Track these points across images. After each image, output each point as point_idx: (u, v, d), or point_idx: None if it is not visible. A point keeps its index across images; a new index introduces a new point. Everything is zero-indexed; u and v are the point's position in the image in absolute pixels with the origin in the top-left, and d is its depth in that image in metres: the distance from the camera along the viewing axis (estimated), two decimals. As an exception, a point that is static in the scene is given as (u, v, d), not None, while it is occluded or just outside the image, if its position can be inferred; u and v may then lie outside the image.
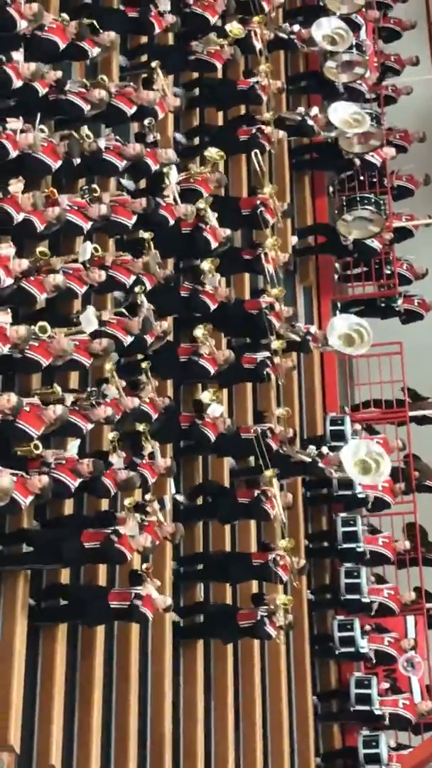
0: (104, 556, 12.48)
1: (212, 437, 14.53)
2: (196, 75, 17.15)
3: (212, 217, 15.00)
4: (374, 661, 16.48)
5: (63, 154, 12.93)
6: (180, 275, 15.43)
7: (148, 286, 13.93)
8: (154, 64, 15.28)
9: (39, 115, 12.80)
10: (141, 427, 13.48)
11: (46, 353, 11.91)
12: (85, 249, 13.04)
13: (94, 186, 13.41)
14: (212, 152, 15.73)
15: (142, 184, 15.26)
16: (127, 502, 12.56)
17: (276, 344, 15.49)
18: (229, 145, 16.68)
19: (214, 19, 16.48)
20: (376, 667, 16.67)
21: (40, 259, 12.18)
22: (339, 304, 19.30)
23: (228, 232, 15.23)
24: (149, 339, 13.77)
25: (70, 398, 12.29)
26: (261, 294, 16.10)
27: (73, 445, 12.38)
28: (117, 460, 12.90)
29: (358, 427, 17.69)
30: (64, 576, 12.85)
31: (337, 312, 18.83)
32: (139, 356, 14.02)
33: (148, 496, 13.10)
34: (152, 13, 15.37)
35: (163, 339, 14.13)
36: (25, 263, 11.79)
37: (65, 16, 13.84)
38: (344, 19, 19.23)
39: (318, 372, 18.57)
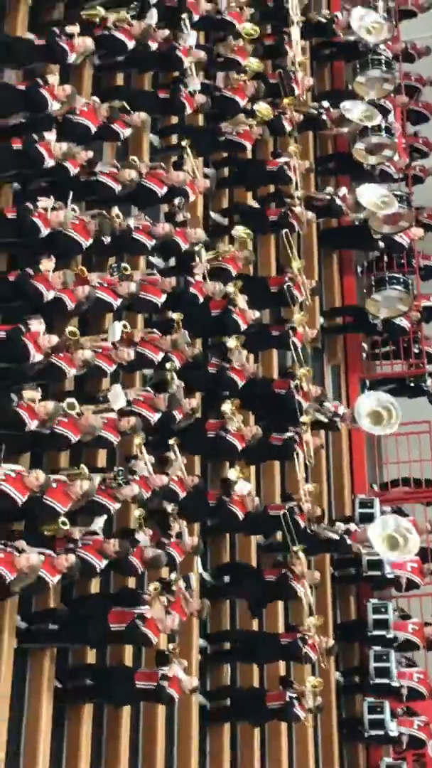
0: (130, 639, 12.41)
1: (240, 515, 14.48)
2: (225, 155, 17.30)
3: (241, 300, 15.07)
4: (405, 745, 16.23)
5: (94, 232, 13.04)
6: (208, 353, 15.47)
7: (177, 364, 13.99)
8: (184, 143, 15.46)
9: (70, 195, 12.93)
10: (169, 508, 13.45)
11: (75, 429, 11.93)
12: (115, 329, 13.12)
13: (124, 264, 13.50)
14: (240, 231, 15.85)
15: (172, 262, 15.37)
16: (152, 587, 12.51)
17: (304, 419, 15.45)
18: (259, 224, 16.81)
19: (243, 102, 16.67)
20: (406, 752, 16.40)
21: (70, 338, 12.23)
22: (367, 383, 19.27)
23: (257, 314, 15.30)
24: (177, 416, 13.80)
25: (97, 479, 12.30)
26: (289, 373, 16.13)
27: (98, 521, 12.34)
28: (143, 537, 12.86)
29: (387, 509, 17.57)
30: (91, 655, 12.74)
31: (366, 390, 18.80)
32: (167, 433, 14.04)
33: (173, 575, 13.04)
34: (183, 94, 15.57)
35: (192, 416, 14.15)
36: (54, 339, 11.85)
37: (96, 99, 14.01)
38: (373, 103, 19.42)
39: (346, 450, 18.50)
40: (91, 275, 12.98)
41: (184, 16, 15.80)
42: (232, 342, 14.91)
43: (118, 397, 12.72)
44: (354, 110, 18.99)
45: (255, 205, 17.53)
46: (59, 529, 11.68)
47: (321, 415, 16.26)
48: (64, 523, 11.64)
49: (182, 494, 13.70)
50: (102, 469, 12.97)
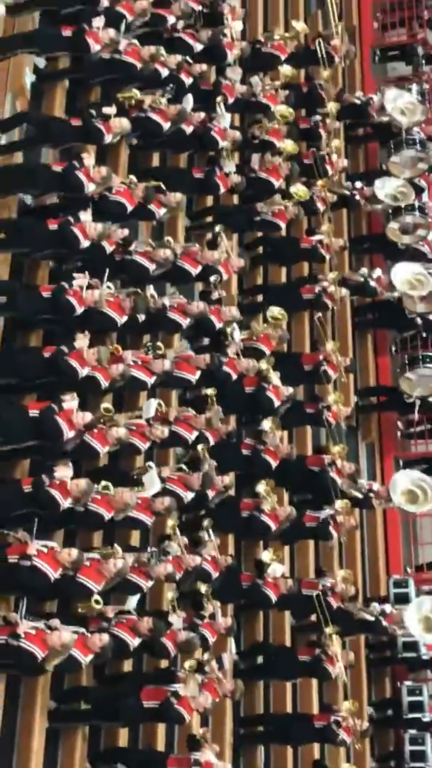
0: (163, 717, 12.26)
1: (273, 598, 14.37)
2: (260, 234, 17.41)
3: (275, 377, 15.08)
4: None
5: (128, 310, 13.10)
6: (242, 430, 15.45)
7: (211, 442, 13.98)
8: (218, 228, 15.54)
9: (106, 273, 13.02)
10: (203, 589, 13.37)
11: (108, 506, 11.89)
12: (149, 406, 13.12)
13: (159, 344, 13.54)
14: (274, 311, 15.89)
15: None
16: (187, 665, 12.40)
17: (339, 504, 15.37)
18: (293, 302, 16.86)
19: (278, 183, 16.79)
20: None
21: (104, 416, 12.25)
22: (401, 462, 19.17)
23: (290, 390, 15.28)
24: (211, 494, 13.75)
25: (130, 558, 12.25)
26: (323, 450, 16.07)
27: (132, 600, 12.26)
28: (176, 620, 12.76)
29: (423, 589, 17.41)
30: (123, 736, 12.59)
31: (400, 469, 18.70)
32: (201, 512, 13.98)
33: (206, 656, 12.90)
34: (217, 174, 15.70)
35: (225, 493, 14.10)
36: (88, 416, 11.85)
37: (133, 178, 14.13)
38: (408, 181, 19.54)
39: (381, 530, 18.36)
40: (125, 353, 13.02)
41: (219, 99, 16.01)
42: (266, 424, 14.89)
43: (153, 483, 12.70)
44: (385, 187, 19.10)
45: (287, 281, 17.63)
46: (92, 608, 11.60)
47: (355, 492, 16.16)
48: (97, 602, 11.56)
49: (215, 574, 13.61)
50: (135, 548, 12.91)
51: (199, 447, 13.75)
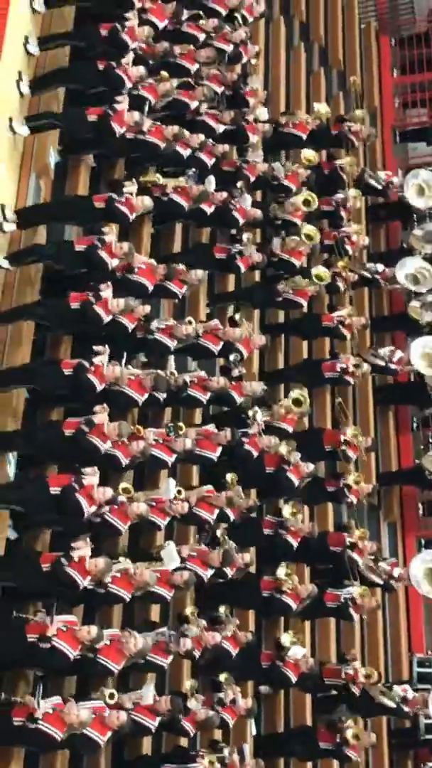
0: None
1: (293, 679, 14.23)
2: (281, 311, 17.48)
3: (295, 456, 15.04)
4: None
5: (149, 387, 13.13)
6: (263, 504, 15.40)
7: (232, 518, 13.92)
8: (237, 316, 15.60)
9: (126, 352, 13.08)
10: (222, 677, 13.27)
11: (128, 585, 11.83)
12: (169, 488, 13.09)
13: (180, 424, 13.55)
14: (296, 395, 15.87)
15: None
16: (207, 761, 12.28)
17: (359, 590, 15.24)
18: (314, 380, 16.87)
19: (299, 263, 16.87)
20: None
21: (123, 495, 12.23)
22: (423, 541, 19.02)
23: (311, 467, 15.24)
24: (230, 571, 13.67)
25: (150, 636, 12.16)
26: (344, 528, 15.98)
27: (149, 688, 12.14)
28: (195, 705, 12.68)
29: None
30: None
31: (422, 549, 18.55)
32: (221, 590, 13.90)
33: (227, 751, 12.77)
34: (237, 256, 15.80)
35: (245, 570, 14.01)
36: (109, 492, 11.85)
37: (153, 261, 14.22)
38: (429, 259, 19.60)
39: (403, 610, 18.17)
40: (147, 432, 13.02)
41: (240, 184, 16.14)
42: (287, 509, 14.83)
43: (172, 558, 12.65)
44: (406, 266, 19.16)
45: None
46: (106, 699, 11.46)
47: (376, 576, 16.03)
48: (111, 696, 11.42)
49: (235, 652, 13.49)
50: (154, 624, 12.83)
51: (219, 531, 13.70)
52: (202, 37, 16.65)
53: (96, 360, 12.50)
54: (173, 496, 13.00)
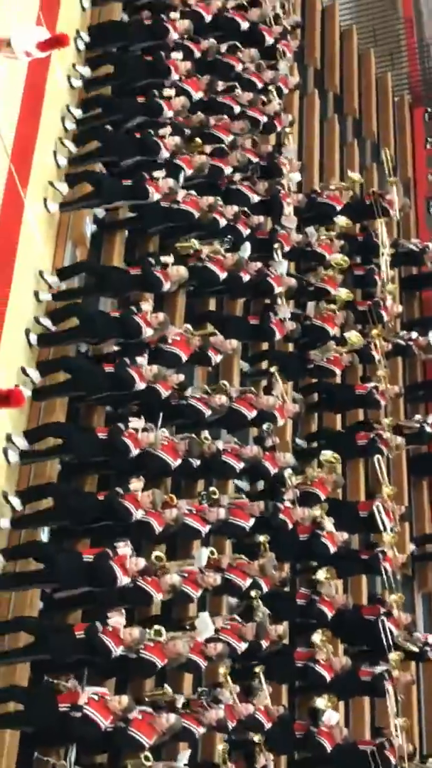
0: None
1: (328, 747, 14.01)
2: (314, 380, 17.45)
3: (329, 522, 14.95)
4: None
5: (183, 453, 13.11)
6: (296, 578, 15.27)
7: (265, 589, 13.81)
8: (273, 369, 15.63)
9: (161, 416, 13.08)
10: (256, 738, 13.07)
11: (161, 654, 11.74)
12: (201, 555, 13.03)
13: (213, 489, 13.48)
14: (328, 455, 15.84)
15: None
16: None
17: (394, 656, 15.07)
18: (348, 449, 16.81)
19: (333, 330, 16.88)
20: None
21: (155, 564, 12.18)
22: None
23: (345, 536, 15.13)
24: (264, 644, 13.54)
25: (181, 699, 12.07)
26: (379, 600, 15.83)
27: (183, 756, 11.99)
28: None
29: None
30: None
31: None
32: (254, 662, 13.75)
33: None
34: (273, 321, 15.83)
35: (279, 642, 13.87)
36: (142, 562, 11.78)
37: (189, 327, 14.27)
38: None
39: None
40: (180, 502, 12.98)
41: (276, 246, 16.22)
42: (321, 574, 14.72)
43: (205, 627, 12.55)
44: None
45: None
46: (142, 765, 11.33)
47: (411, 645, 15.85)
48: (147, 758, 11.30)
49: (268, 724, 13.32)
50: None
51: (252, 594, 13.59)
52: (237, 108, 16.83)
53: (131, 425, 12.51)
54: (204, 563, 12.90)
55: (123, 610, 11.59)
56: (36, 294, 13.64)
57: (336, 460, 15.82)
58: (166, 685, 11.95)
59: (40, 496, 12.28)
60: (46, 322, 13.45)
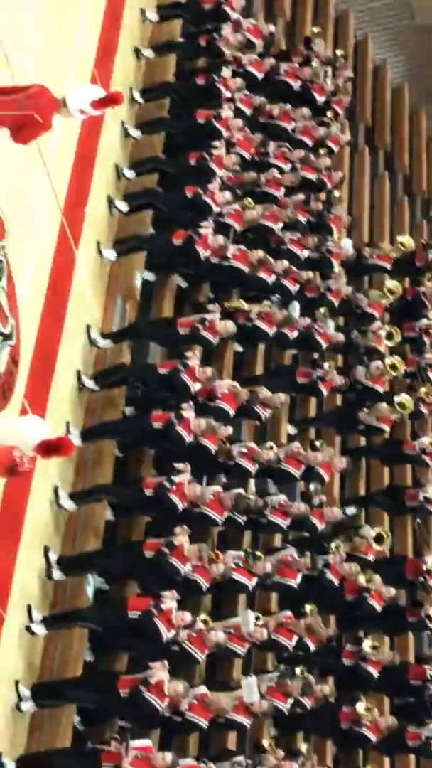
0: None
1: None
2: (363, 438, 17.37)
3: (377, 581, 14.81)
4: None
5: (229, 508, 13.05)
6: (342, 635, 15.12)
7: (311, 647, 13.67)
8: (318, 443, 15.56)
9: (208, 470, 13.06)
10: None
11: (205, 712, 11.67)
12: (248, 620, 12.91)
13: (258, 553, 13.42)
14: (379, 530, 15.66)
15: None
16: None
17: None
18: (396, 506, 16.67)
19: (382, 390, 16.81)
20: None
21: (202, 626, 12.11)
22: None
23: (392, 591, 14.97)
24: (309, 702, 13.39)
25: (227, 765, 11.92)
26: (426, 661, 15.61)
27: None
28: None
29: None
30: None
31: None
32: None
33: None
34: (320, 376, 15.79)
35: (324, 701, 13.72)
36: (188, 616, 11.73)
37: (236, 384, 14.24)
38: None
39: None
40: (227, 554, 12.91)
41: (323, 309, 16.21)
42: (368, 643, 14.56)
43: (251, 693, 12.43)
44: None
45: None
46: None
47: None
48: None
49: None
50: (232, 752, 12.57)
51: (299, 652, 13.49)
52: (287, 165, 16.91)
53: (177, 479, 12.49)
54: (252, 628, 12.79)
55: (166, 665, 11.51)
56: (86, 345, 13.70)
57: (386, 536, 15.62)
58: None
59: (82, 561, 12.30)
60: (90, 383, 13.53)
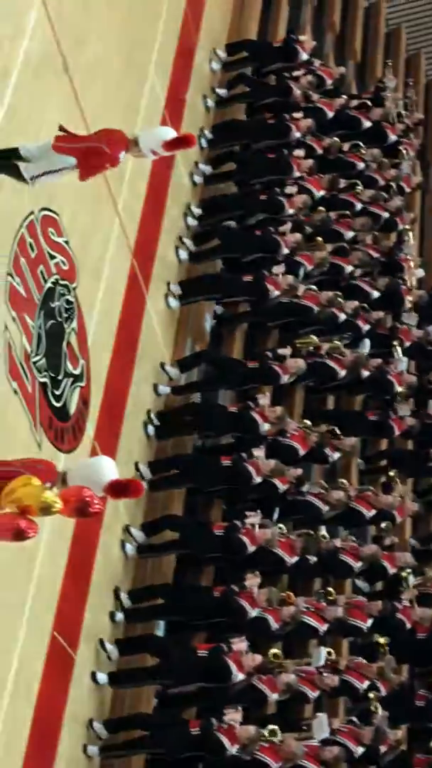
0: None
1: None
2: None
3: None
4: None
5: (300, 550, 12.96)
6: (415, 681, 14.91)
7: (383, 692, 13.49)
8: (392, 473, 15.42)
9: (277, 511, 12.97)
10: None
11: (275, 755, 11.49)
12: (320, 654, 12.79)
13: (330, 589, 13.29)
14: None
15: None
16: None
17: None
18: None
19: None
20: None
21: (272, 662, 11.99)
22: None
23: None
24: (382, 748, 13.19)
25: None
26: None
27: None
28: None
29: None
30: None
31: None
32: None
33: None
34: (392, 418, 15.67)
35: (397, 749, 13.50)
36: (258, 658, 11.63)
37: (308, 423, 14.19)
38: None
39: None
40: (298, 599, 12.81)
41: (396, 342, 16.12)
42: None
43: (321, 728, 12.28)
44: None
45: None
46: None
47: None
48: None
49: None
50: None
51: (370, 696, 13.28)
52: (358, 205, 16.88)
53: (247, 521, 12.43)
54: (323, 662, 12.66)
55: (240, 708, 11.43)
56: (155, 387, 13.72)
57: None
58: None
59: (153, 596, 12.26)
60: (150, 430, 13.55)
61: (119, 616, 12.09)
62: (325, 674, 12.69)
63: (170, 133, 10.59)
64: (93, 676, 11.50)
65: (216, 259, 15.27)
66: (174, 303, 14.53)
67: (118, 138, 10.18)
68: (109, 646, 11.74)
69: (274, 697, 12.01)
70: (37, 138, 10.88)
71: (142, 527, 12.61)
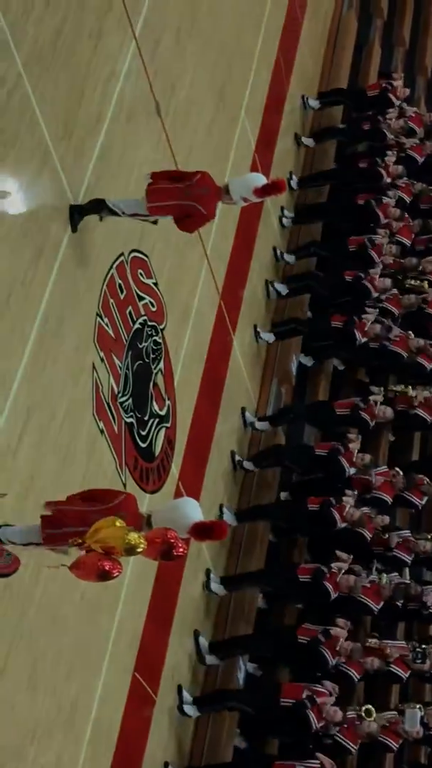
0: None
1: None
2: None
3: None
4: None
5: (387, 597, 12.78)
6: None
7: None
8: None
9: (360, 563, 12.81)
10: None
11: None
12: (415, 718, 12.50)
13: (424, 646, 13.02)
14: None
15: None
16: None
17: None
18: None
19: None
20: None
21: (361, 714, 11.84)
22: None
23: None
24: None
25: None
26: None
27: None
28: None
29: None
30: None
31: None
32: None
33: None
34: None
35: None
36: (339, 715, 11.49)
37: (398, 470, 14.03)
38: None
39: None
40: (391, 647, 12.59)
41: None
42: None
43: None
44: None
45: None
46: None
47: None
48: None
49: None
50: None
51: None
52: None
53: (333, 567, 12.30)
54: (417, 728, 12.41)
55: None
56: (240, 427, 13.68)
57: None
58: None
59: (234, 644, 12.19)
60: (247, 464, 13.51)
61: (211, 659, 12.04)
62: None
63: (261, 180, 10.57)
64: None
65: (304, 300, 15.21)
66: (266, 337, 14.52)
67: (211, 192, 10.20)
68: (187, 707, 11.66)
69: (355, 748, 11.82)
70: (127, 182, 10.96)
71: (222, 580, 12.58)
